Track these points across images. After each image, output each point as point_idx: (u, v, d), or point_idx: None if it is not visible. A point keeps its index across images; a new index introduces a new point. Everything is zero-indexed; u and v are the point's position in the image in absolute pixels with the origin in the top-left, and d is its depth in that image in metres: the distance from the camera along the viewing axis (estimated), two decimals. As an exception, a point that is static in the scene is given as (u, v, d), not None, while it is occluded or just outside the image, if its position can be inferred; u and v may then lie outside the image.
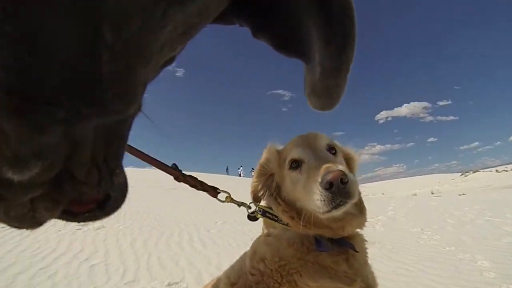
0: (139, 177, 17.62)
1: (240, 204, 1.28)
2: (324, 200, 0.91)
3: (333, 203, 0.91)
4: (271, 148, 1.21)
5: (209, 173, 33.87)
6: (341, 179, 0.89)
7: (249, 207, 1.26)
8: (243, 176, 39.33)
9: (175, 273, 3.53)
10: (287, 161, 1.11)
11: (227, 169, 45.77)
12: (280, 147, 1.22)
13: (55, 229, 4.93)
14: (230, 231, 6.08)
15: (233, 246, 4.98)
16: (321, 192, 0.91)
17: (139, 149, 1.13)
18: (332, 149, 1.12)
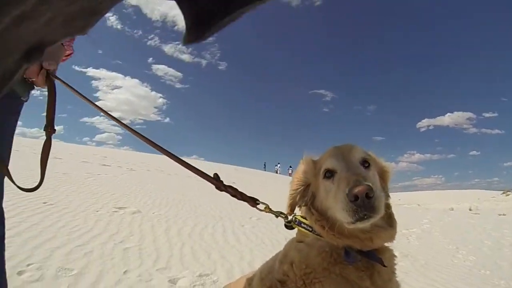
0: (178, 167, 17.91)
1: (277, 214, 1.33)
2: (349, 211, 0.98)
3: (357, 215, 0.97)
4: (307, 158, 1.29)
5: (248, 168, 34.25)
6: (367, 193, 0.95)
7: (286, 217, 1.31)
8: (280, 173, 39.76)
9: (206, 265, 3.55)
10: (321, 171, 1.17)
11: (264, 165, 46.26)
12: (315, 158, 1.30)
13: (94, 209, 5.11)
14: (265, 228, 6.08)
15: (267, 244, 4.98)
16: (347, 203, 0.98)
17: (185, 160, 1.29)
18: (365, 162, 1.17)
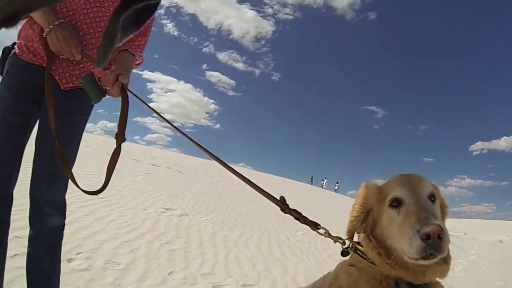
0: (226, 173, 18.19)
1: (336, 239, 1.32)
2: (416, 248, 0.98)
3: (424, 253, 0.98)
4: (372, 184, 1.29)
5: (295, 180, 34.20)
6: (438, 234, 0.96)
7: (344, 243, 1.31)
8: (325, 188, 39.49)
9: (250, 275, 3.53)
10: (388, 198, 1.16)
11: (311, 179, 46.03)
12: (379, 183, 1.29)
13: (142, 207, 5.25)
14: (310, 244, 6.05)
15: (311, 260, 4.95)
16: (416, 240, 0.98)
17: (251, 180, 1.32)
18: (432, 196, 1.16)
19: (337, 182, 42.94)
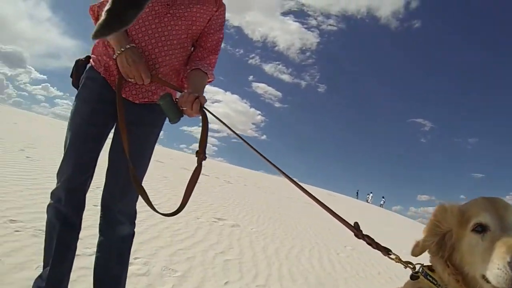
0: (277, 186, 18.30)
1: (406, 265, 1.29)
2: (505, 279, 0.94)
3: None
4: (451, 206, 1.23)
5: (340, 194, 33.82)
6: None
7: (414, 268, 1.28)
8: (371, 203, 38.87)
9: (305, 289, 3.49)
10: (471, 223, 1.12)
11: (357, 193, 45.53)
12: (457, 204, 1.24)
13: (194, 216, 5.36)
14: (359, 259, 6.08)
15: (361, 276, 4.98)
16: (505, 270, 0.94)
17: (325, 204, 1.35)
18: None
19: (383, 197, 42.24)
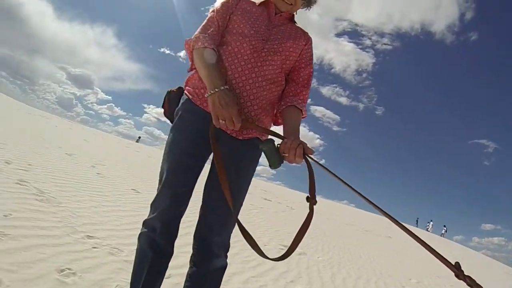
0: (335, 212, 18.03)
1: None
2: None
3: None
4: None
5: (400, 221, 32.44)
6: None
7: None
8: (431, 232, 36.85)
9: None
10: None
11: (417, 221, 43.52)
12: None
13: (263, 242, 5.50)
14: None
15: None
16: None
17: (422, 239, 1.22)
18: None
19: (445, 226, 39.80)
